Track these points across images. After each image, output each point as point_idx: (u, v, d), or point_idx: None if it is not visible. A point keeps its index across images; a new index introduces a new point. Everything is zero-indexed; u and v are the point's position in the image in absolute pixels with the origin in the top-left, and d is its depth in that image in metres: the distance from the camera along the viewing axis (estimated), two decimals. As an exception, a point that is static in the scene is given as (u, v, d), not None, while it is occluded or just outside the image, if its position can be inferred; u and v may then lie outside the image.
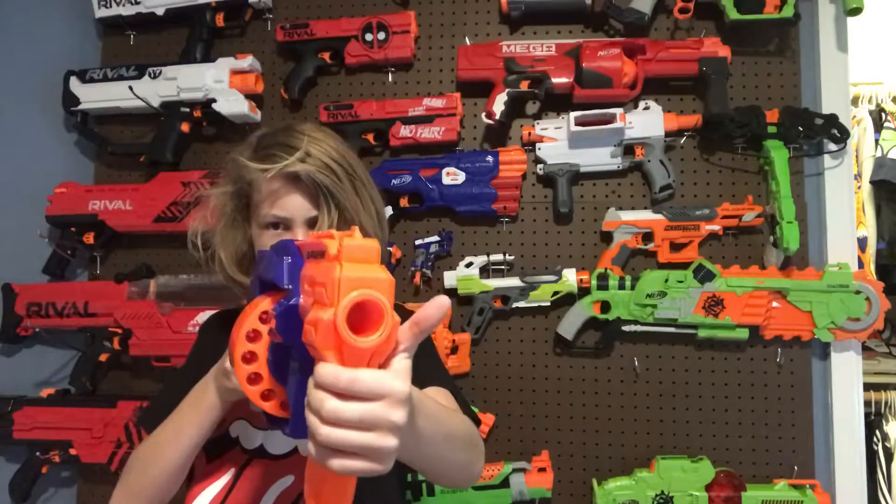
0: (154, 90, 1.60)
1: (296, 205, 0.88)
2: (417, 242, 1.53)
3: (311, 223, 0.89)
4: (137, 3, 1.66)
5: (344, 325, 0.45)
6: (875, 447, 1.95)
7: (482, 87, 1.54)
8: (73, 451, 1.54)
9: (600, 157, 1.50)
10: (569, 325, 1.47)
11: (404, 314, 0.55)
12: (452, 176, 1.51)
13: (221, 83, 1.57)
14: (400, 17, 1.56)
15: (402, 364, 0.50)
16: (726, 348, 1.47)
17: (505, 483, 1.41)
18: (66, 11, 1.78)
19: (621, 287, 1.44)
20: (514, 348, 1.53)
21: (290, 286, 0.58)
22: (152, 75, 1.62)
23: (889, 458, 1.95)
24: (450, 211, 1.54)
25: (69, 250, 1.65)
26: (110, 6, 1.67)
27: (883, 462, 1.95)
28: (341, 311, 0.45)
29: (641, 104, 1.49)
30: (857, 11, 1.43)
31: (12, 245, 1.73)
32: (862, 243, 2.03)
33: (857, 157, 2.11)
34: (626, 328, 1.46)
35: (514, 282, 1.49)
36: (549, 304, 1.48)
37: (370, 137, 1.57)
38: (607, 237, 1.51)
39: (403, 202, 1.54)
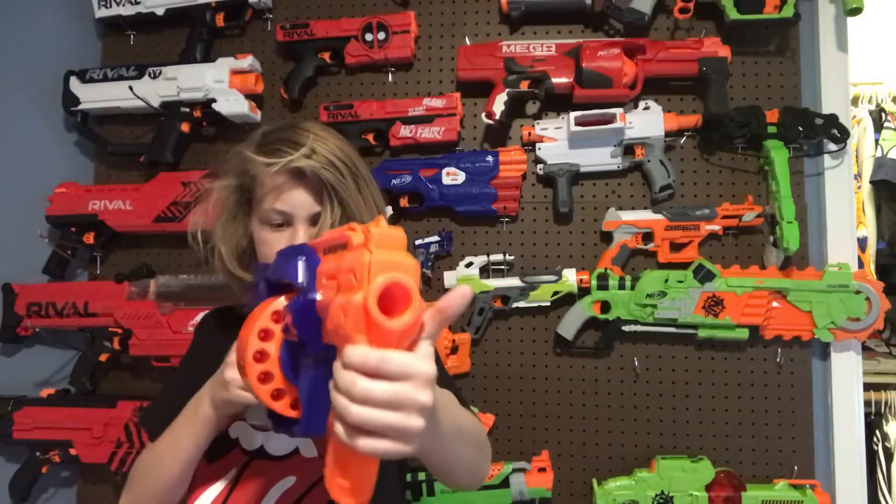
0: (154, 90, 1.60)
1: (299, 200, 0.88)
2: (417, 242, 1.53)
3: (314, 220, 0.89)
4: (137, 3, 1.66)
5: (375, 307, 0.46)
6: (875, 447, 1.95)
7: (482, 87, 1.54)
8: (73, 451, 1.54)
9: (600, 157, 1.50)
10: (569, 325, 1.47)
11: None
12: (452, 176, 1.51)
13: (221, 83, 1.57)
14: (400, 17, 1.56)
15: (426, 348, 0.50)
16: (726, 348, 1.47)
17: (505, 483, 1.41)
18: (66, 11, 1.78)
19: (621, 287, 1.44)
20: (514, 348, 1.53)
21: (306, 283, 0.58)
22: (152, 75, 1.62)
23: (889, 458, 1.95)
24: (450, 211, 1.54)
25: (69, 250, 1.64)
26: (110, 6, 1.67)
27: (883, 462, 1.95)
28: (373, 292, 0.46)
29: (641, 104, 1.49)
30: (857, 11, 1.43)
31: (12, 245, 1.73)
32: (862, 243, 2.03)
33: (857, 157, 2.12)
34: (626, 328, 1.45)
35: (514, 282, 1.49)
36: (549, 304, 1.48)
37: (370, 137, 1.57)
38: (607, 237, 1.51)
39: (403, 202, 1.54)
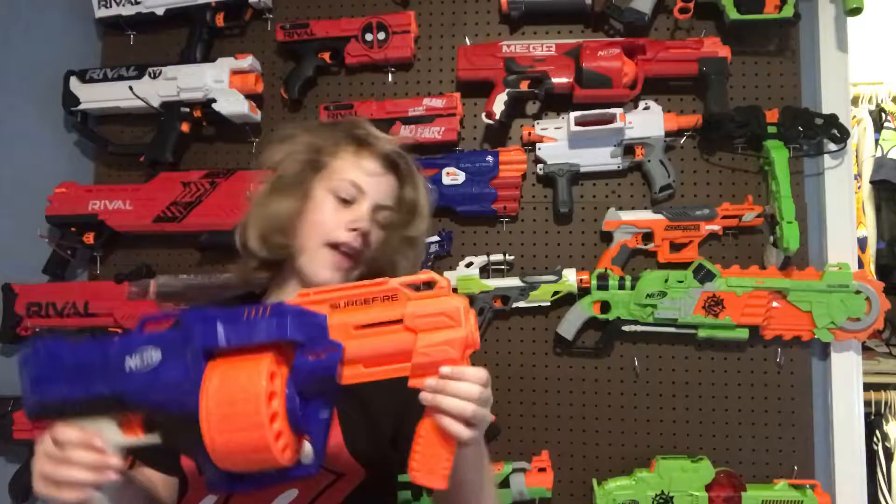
0: (154, 90, 1.60)
1: (375, 182, 0.92)
2: (417, 242, 1.53)
3: (376, 208, 0.91)
4: (137, 3, 1.65)
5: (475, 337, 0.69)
6: (875, 447, 1.95)
7: (482, 87, 1.54)
8: (73, 451, 1.54)
9: (600, 157, 1.50)
10: (569, 325, 1.47)
11: None
12: (452, 176, 1.51)
13: (221, 83, 1.57)
14: (400, 17, 1.56)
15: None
16: (726, 348, 1.47)
17: (505, 483, 1.41)
18: (66, 11, 1.78)
19: (621, 287, 1.44)
20: (514, 348, 1.53)
21: (318, 337, 0.66)
22: (152, 75, 1.61)
23: (889, 458, 1.95)
24: (450, 211, 1.54)
25: (69, 250, 1.64)
26: (110, 6, 1.67)
27: (883, 462, 1.95)
28: (474, 327, 0.69)
29: (641, 104, 1.49)
30: (857, 11, 1.43)
31: (12, 245, 1.72)
32: (862, 243, 2.03)
33: (857, 157, 2.11)
34: (626, 328, 1.45)
35: (513, 282, 1.49)
36: (549, 304, 1.48)
37: (370, 137, 1.57)
38: (607, 237, 1.51)
39: (403, 202, 1.54)
